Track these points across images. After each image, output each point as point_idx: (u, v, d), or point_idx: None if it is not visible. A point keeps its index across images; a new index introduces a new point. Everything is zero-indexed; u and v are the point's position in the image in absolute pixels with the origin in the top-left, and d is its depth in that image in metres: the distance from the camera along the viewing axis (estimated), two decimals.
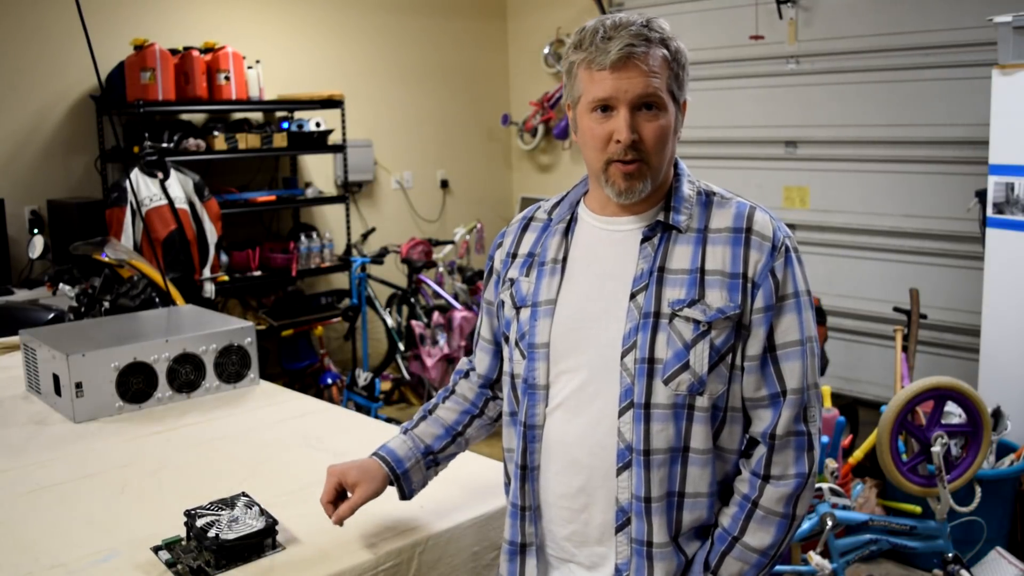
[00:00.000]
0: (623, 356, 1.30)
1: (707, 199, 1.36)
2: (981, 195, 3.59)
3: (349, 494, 1.48)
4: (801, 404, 1.30)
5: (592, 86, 1.29)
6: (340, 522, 1.46)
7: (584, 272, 1.38)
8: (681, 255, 1.31)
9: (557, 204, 1.47)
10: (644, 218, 1.35)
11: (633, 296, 1.31)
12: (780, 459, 1.30)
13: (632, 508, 1.30)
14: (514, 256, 1.47)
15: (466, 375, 1.61)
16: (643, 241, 1.34)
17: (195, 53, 4.59)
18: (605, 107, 1.29)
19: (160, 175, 4.33)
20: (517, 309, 1.42)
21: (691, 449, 1.30)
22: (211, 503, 1.52)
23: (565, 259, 1.40)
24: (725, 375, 1.30)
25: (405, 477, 1.51)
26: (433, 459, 1.55)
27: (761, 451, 1.30)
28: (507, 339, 1.45)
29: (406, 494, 1.53)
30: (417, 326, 5.07)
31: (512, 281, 1.45)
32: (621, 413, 1.30)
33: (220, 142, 4.69)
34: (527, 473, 1.40)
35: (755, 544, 1.30)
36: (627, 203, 1.34)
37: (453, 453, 1.58)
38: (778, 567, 2.78)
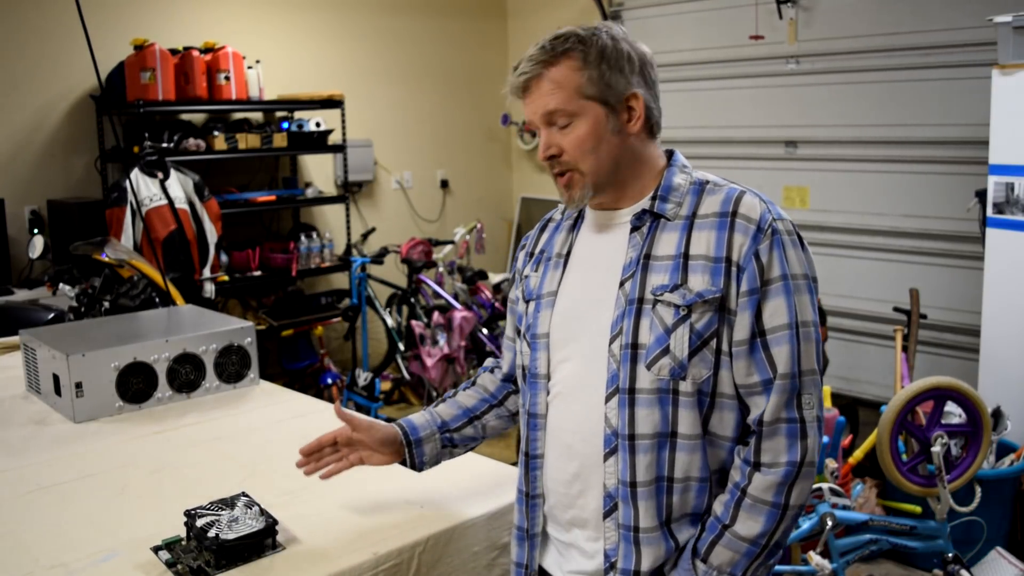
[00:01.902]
0: (611, 342, 1.33)
1: (700, 187, 1.37)
2: (981, 195, 3.59)
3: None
4: (792, 389, 1.28)
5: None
6: (343, 418, 1.55)
7: (583, 264, 1.43)
8: (667, 242, 1.33)
9: None
10: (635, 209, 1.38)
11: (622, 284, 1.34)
12: (770, 446, 1.28)
13: (619, 493, 1.32)
14: (532, 255, 1.53)
15: (491, 371, 1.67)
16: (632, 231, 1.37)
17: (195, 53, 4.59)
18: (535, 130, 1.38)
19: (160, 175, 4.33)
20: (526, 303, 1.48)
21: (679, 434, 1.30)
22: (211, 503, 1.52)
23: (569, 253, 1.45)
24: (710, 360, 1.29)
25: (418, 445, 1.56)
26: (449, 437, 1.59)
27: (753, 438, 1.30)
28: (519, 332, 1.50)
29: (416, 465, 1.57)
30: (417, 326, 5.07)
31: (526, 277, 1.51)
32: (608, 399, 1.33)
33: (220, 142, 4.69)
34: (530, 461, 1.44)
35: (744, 533, 1.29)
36: (578, 208, 1.42)
37: (470, 436, 1.61)
38: (777, 567, 2.78)
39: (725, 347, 1.30)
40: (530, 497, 1.45)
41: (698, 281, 1.29)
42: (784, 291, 1.28)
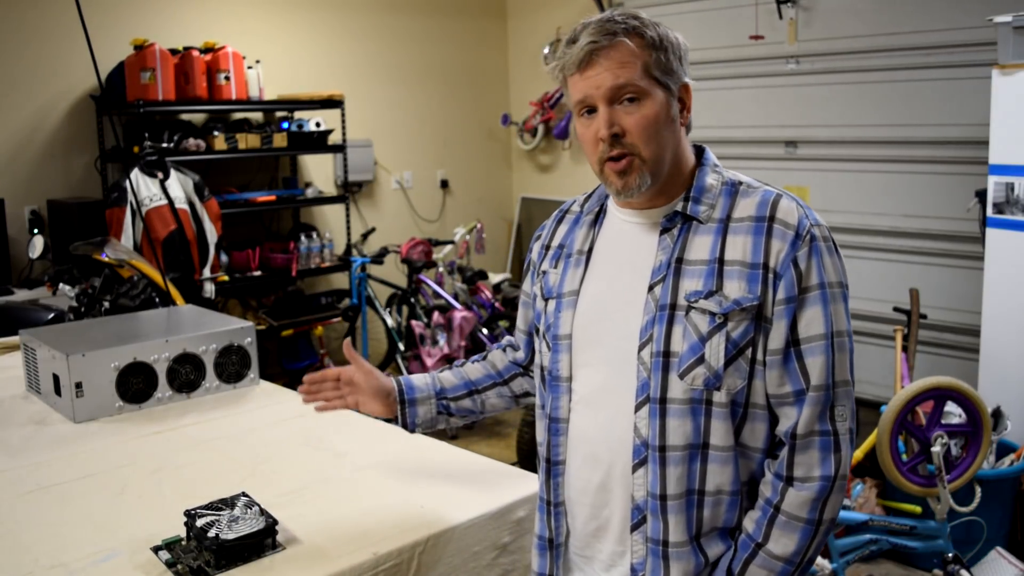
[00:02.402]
0: (640, 349, 1.28)
1: (733, 189, 1.32)
2: (981, 195, 3.59)
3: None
4: (825, 401, 1.24)
5: (572, 90, 1.30)
6: (350, 355, 1.59)
7: (606, 264, 1.37)
8: (700, 246, 1.28)
9: (590, 197, 1.46)
10: (665, 209, 1.32)
11: (651, 288, 1.29)
12: (803, 460, 1.24)
13: (648, 506, 1.28)
14: (547, 248, 1.48)
15: (504, 349, 1.65)
16: (662, 232, 1.31)
17: (195, 53, 4.59)
18: (589, 109, 1.29)
19: (160, 175, 4.33)
20: (545, 301, 1.43)
21: (711, 446, 1.26)
22: (211, 503, 1.52)
23: (590, 251, 1.39)
24: (745, 369, 1.25)
25: (411, 404, 1.58)
26: (446, 405, 1.59)
27: (784, 451, 1.25)
28: (538, 331, 1.46)
29: (408, 425, 1.59)
30: (417, 326, 5.07)
31: (544, 273, 1.46)
32: (637, 408, 1.28)
33: (220, 142, 4.69)
34: (551, 467, 1.40)
35: (778, 552, 1.25)
36: (631, 200, 1.32)
37: (467, 409, 1.61)
38: None
39: (760, 356, 1.25)
40: (553, 505, 1.40)
41: (734, 288, 1.24)
42: (821, 300, 1.24)
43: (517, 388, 1.62)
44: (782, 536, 1.25)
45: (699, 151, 1.37)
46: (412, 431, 1.60)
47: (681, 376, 1.25)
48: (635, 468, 1.28)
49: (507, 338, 1.67)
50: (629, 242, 1.35)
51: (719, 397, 1.25)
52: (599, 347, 1.33)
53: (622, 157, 1.27)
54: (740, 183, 1.33)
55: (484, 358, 1.65)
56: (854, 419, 1.28)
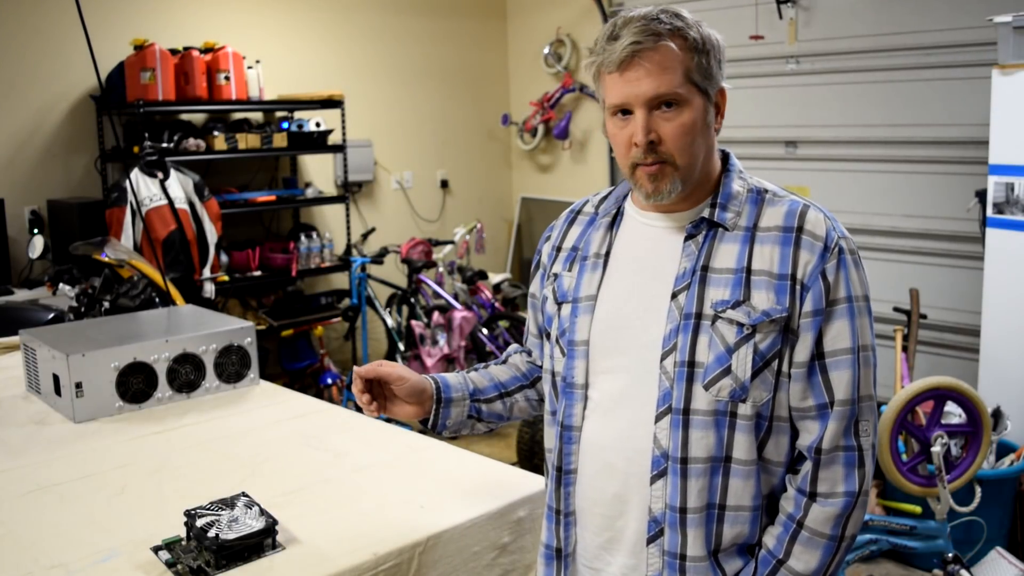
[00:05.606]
0: (663, 358, 1.25)
1: (759, 196, 1.29)
2: (981, 195, 3.59)
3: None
4: (850, 416, 1.22)
5: (608, 90, 1.26)
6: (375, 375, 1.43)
7: (626, 269, 1.34)
8: (726, 254, 1.25)
9: (605, 198, 1.43)
10: (689, 215, 1.30)
11: (675, 296, 1.26)
12: (827, 475, 1.22)
13: (666, 519, 1.25)
14: (559, 250, 1.44)
15: (521, 352, 1.58)
16: (687, 239, 1.28)
17: (195, 53, 4.59)
18: (624, 110, 1.25)
19: (160, 175, 4.33)
20: (559, 305, 1.39)
21: (733, 459, 1.23)
22: (211, 503, 1.52)
23: (608, 254, 1.36)
24: (770, 382, 1.23)
25: (446, 405, 1.47)
26: (478, 408, 1.50)
27: (807, 466, 1.24)
28: (548, 335, 1.42)
29: (437, 425, 1.48)
30: (417, 326, 5.07)
31: (556, 276, 1.41)
32: (658, 418, 1.25)
33: (220, 142, 4.69)
34: (562, 476, 1.36)
35: (800, 568, 1.23)
36: (660, 204, 1.29)
37: (497, 413, 1.52)
38: None
39: (785, 368, 1.24)
40: (562, 515, 1.37)
41: (762, 299, 1.22)
42: (848, 314, 1.22)
43: (541, 393, 1.56)
44: (804, 552, 1.23)
45: (724, 156, 1.34)
46: (439, 433, 1.50)
47: (706, 387, 1.22)
48: (653, 480, 1.26)
49: (513, 346, 1.61)
50: (650, 247, 1.32)
51: (744, 409, 1.23)
52: (619, 354, 1.30)
53: (655, 163, 1.25)
54: (766, 191, 1.30)
55: (505, 361, 1.58)
56: (876, 433, 1.27)
